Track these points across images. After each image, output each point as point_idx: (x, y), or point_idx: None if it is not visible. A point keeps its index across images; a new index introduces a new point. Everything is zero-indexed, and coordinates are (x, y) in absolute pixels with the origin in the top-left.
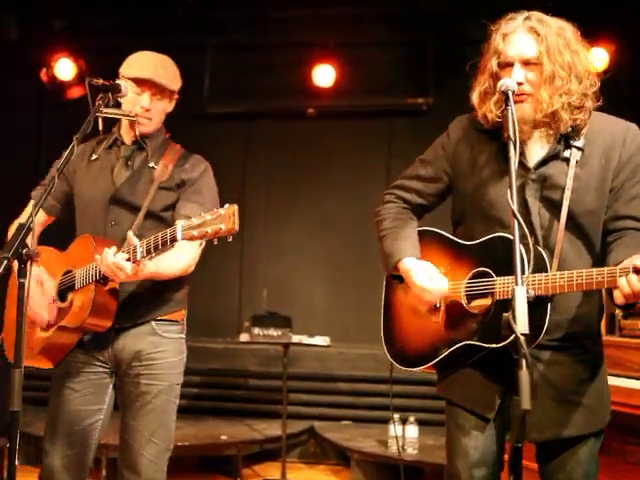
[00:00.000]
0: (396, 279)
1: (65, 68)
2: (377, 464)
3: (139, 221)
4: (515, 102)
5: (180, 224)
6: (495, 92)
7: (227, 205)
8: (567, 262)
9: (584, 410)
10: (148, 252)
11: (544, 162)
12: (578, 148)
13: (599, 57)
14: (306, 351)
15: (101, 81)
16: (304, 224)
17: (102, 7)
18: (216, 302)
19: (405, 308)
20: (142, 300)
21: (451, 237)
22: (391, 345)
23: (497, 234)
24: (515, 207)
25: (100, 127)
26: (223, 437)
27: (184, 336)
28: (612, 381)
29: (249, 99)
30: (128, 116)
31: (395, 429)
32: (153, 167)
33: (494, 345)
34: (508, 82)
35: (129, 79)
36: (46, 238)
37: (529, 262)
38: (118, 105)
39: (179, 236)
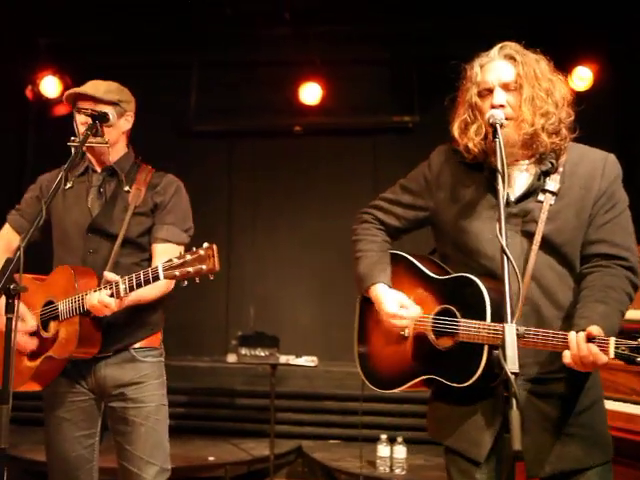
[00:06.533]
0: (368, 301)
1: (50, 86)
2: None
3: (117, 249)
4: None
5: (161, 264)
6: (475, 122)
7: (206, 245)
8: (550, 290)
9: (582, 443)
10: (131, 289)
11: (524, 196)
12: (552, 193)
13: (583, 76)
14: (294, 369)
15: (89, 110)
16: (291, 241)
17: (88, 25)
18: (203, 320)
19: (377, 331)
20: (120, 326)
21: (421, 267)
22: (364, 365)
23: (464, 274)
24: (504, 242)
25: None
26: (210, 458)
27: (163, 360)
28: None
29: (235, 117)
30: (101, 144)
31: (361, 451)
32: (128, 191)
33: (456, 385)
34: (496, 114)
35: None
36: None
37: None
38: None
39: (161, 276)
